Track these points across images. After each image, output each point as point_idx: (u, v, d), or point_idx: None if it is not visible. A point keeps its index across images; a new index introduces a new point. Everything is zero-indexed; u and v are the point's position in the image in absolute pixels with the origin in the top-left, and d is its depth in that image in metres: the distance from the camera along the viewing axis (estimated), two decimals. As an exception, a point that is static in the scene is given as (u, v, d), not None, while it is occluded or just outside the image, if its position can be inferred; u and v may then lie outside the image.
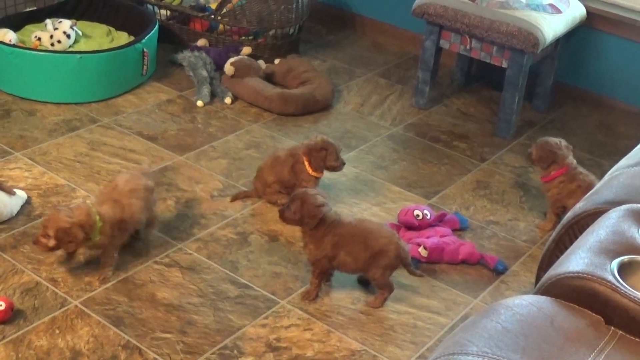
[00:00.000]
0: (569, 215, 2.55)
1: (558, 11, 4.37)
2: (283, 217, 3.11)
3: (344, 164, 3.69)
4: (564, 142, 3.73)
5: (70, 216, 2.98)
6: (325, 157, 3.62)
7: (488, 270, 3.42)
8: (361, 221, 3.16)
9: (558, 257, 2.26)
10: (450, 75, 5.11)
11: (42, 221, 3.04)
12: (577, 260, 2.02)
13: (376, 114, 4.62)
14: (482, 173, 4.13)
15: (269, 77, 4.75)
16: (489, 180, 4.05)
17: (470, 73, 5.09)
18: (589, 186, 3.46)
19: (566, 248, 2.33)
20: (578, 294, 1.94)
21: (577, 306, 1.93)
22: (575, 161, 3.72)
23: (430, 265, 3.40)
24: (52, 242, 2.98)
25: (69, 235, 2.97)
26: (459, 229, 3.65)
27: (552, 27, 4.27)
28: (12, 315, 2.88)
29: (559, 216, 3.66)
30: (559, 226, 2.57)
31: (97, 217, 3.03)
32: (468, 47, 4.43)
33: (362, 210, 3.72)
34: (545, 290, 2.03)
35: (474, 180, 4.06)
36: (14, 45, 4.36)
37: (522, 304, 1.93)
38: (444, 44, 4.52)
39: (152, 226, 3.38)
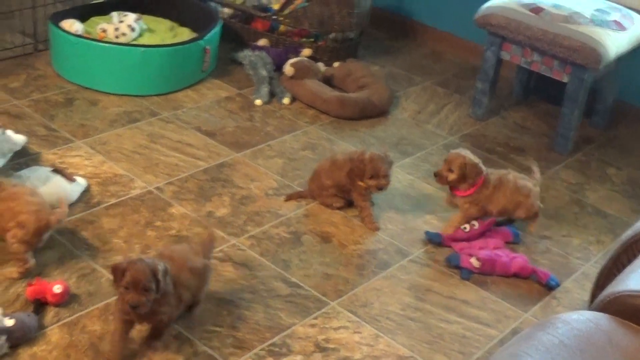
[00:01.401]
0: (629, 233, 2.53)
1: (622, 28, 4.33)
2: None
3: (386, 183, 3.59)
4: (467, 151, 3.60)
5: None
6: (364, 172, 3.56)
7: (539, 285, 3.40)
8: None
9: (615, 275, 2.26)
10: (509, 87, 5.09)
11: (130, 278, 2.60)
12: (637, 278, 2.02)
13: (433, 122, 4.62)
14: (537, 187, 4.11)
15: (327, 80, 4.77)
16: (544, 194, 4.03)
17: (529, 86, 5.06)
18: (500, 183, 3.58)
19: (624, 266, 2.32)
20: (637, 313, 1.93)
21: (635, 325, 1.93)
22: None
23: (481, 276, 3.39)
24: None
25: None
26: (511, 241, 3.63)
27: (615, 44, 4.24)
28: (68, 299, 2.93)
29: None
30: (617, 244, 2.55)
31: None
32: (529, 59, 4.42)
33: (414, 217, 3.72)
34: (603, 308, 2.03)
35: (529, 194, 4.04)
36: (80, 36, 4.43)
37: (580, 320, 1.93)
38: (505, 55, 4.51)
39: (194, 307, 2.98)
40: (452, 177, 3.52)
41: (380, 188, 3.58)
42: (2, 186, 3.10)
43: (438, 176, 3.57)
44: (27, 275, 3.01)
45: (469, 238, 3.52)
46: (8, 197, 3.04)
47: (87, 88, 4.41)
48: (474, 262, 3.37)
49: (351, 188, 3.63)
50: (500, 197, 3.58)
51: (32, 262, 3.04)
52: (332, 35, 5.08)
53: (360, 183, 3.59)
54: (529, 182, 3.63)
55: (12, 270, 3.03)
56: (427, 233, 3.58)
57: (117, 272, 2.58)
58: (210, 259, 2.98)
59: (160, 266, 2.60)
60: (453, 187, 3.59)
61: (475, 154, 4.09)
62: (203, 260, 2.88)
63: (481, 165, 3.55)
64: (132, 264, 2.57)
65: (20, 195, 3.05)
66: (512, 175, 3.62)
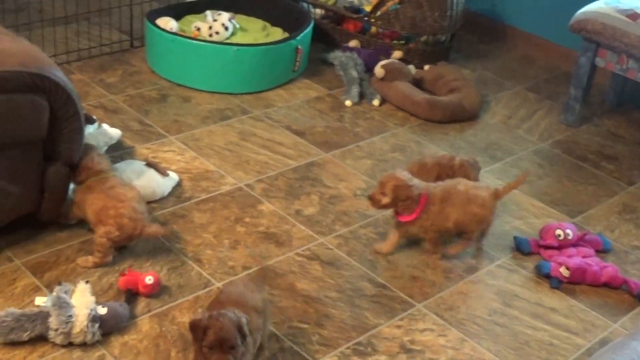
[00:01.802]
0: None
1: None
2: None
3: None
4: (403, 172, 3.33)
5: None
6: (452, 178, 3.53)
7: (630, 296, 3.34)
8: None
9: None
10: (601, 94, 5.01)
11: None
12: None
13: (523, 128, 4.58)
14: (630, 197, 4.04)
15: (417, 83, 4.77)
16: (637, 204, 3.96)
17: (623, 93, 4.97)
18: (449, 195, 3.30)
19: None
20: None
21: None
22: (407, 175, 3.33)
23: (570, 285, 3.35)
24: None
25: None
26: (602, 250, 3.58)
27: None
28: (159, 290, 2.99)
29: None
30: None
31: None
32: (625, 67, 4.34)
33: (503, 222, 3.69)
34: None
35: (620, 203, 3.97)
36: (174, 34, 4.51)
37: (676, 330, 1.90)
38: (600, 62, 4.44)
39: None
40: (385, 200, 3.25)
41: None
42: (112, 182, 3.17)
43: (371, 200, 3.30)
44: (101, 265, 3.10)
45: (561, 246, 3.48)
46: (115, 196, 3.11)
47: (180, 85, 4.49)
48: (563, 271, 3.33)
49: None
50: (451, 211, 3.31)
51: (109, 258, 3.11)
52: (423, 38, 5.07)
53: None
54: (484, 190, 3.37)
55: (87, 259, 3.10)
56: (515, 238, 3.54)
57: (198, 329, 2.37)
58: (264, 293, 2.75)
59: (243, 319, 2.39)
60: (397, 212, 3.33)
61: (566, 161, 4.07)
62: (262, 295, 2.68)
63: (416, 185, 3.26)
64: (214, 321, 2.35)
65: (128, 199, 3.11)
66: (463, 185, 3.36)
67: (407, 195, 3.23)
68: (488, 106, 4.77)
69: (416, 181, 3.29)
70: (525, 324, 3.13)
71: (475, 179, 3.55)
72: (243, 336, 2.37)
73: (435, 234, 3.35)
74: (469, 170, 3.54)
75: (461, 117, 4.55)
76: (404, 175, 3.28)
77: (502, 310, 3.18)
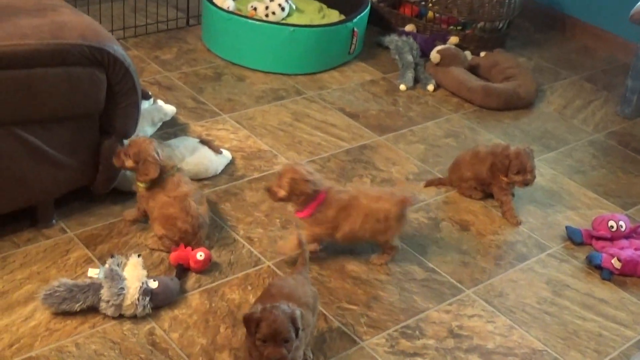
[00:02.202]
0: None
1: None
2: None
3: (532, 179, 3.54)
4: (304, 165, 3.08)
5: None
6: (508, 167, 3.52)
7: (682, 290, 3.31)
8: None
9: None
10: (660, 87, 4.94)
11: None
12: None
13: (579, 118, 4.53)
14: (685, 190, 3.99)
15: (473, 69, 4.73)
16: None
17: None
18: (349, 205, 3.05)
19: None
20: None
21: None
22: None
23: (621, 277, 3.31)
24: None
25: None
26: (654, 243, 3.54)
27: None
28: (209, 267, 3.01)
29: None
30: None
31: None
32: (685, 59, 4.28)
33: (555, 212, 3.66)
34: None
35: (675, 197, 3.93)
36: (231, 13, 4.52)
37: None
38: (660, 53, 4.38)
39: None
40: (281, 193, 3.01)
41: (526, 184, 3.53)
42: (178, 177, 3.10)
43: (269, 192, 3.05)
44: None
45: (613, 238, 3.44)
46: (185, 208, 3.03)
47: (235, 64, 4.51)
48: (615, 263, 3.29)
49: (492, 182, 3.59)
50: (345, 223, 3.07)
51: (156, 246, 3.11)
52: (480, 24, 5.03)
53: (504, 178, 3.55)
54: (387, 202, 3.09)
55: (148, 238, 3.14)
56: (567, 228, 3.51)
57: (251, 323, 2.32)
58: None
59: (297, 312, 2.33)
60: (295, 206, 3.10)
61: (621, 152, 4.02)
62: (312, 289, 2.62)
63: (315, 182, 3.02)
64: (267, 314, 2.30)
65: (198, 213, 3.06)
66: (364, 198, 3.09)
67: (301, 190, 3.00)
68: (543, 95, 4.73)
69: (318, 177, 3.05)
70: (574, 314, 3.10)
71: (532, 168, 3.51)
72: (297, 330, 2.31)
73: (318, 236, 3.11)
74: (525, 159, 3.51)
75: (516, 105, 4.51)
76: (303, 168, 3.03)
77: (551, 300, 3.15)
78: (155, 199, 3.07)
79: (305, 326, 2.40)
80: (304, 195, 3.00)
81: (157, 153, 3.04)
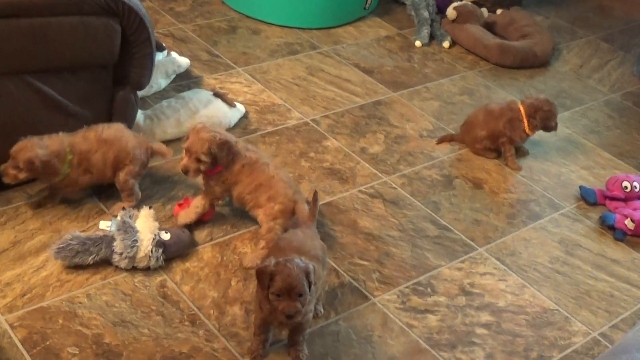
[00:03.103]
0: None
1: None
2: None
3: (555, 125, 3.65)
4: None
5: None
6: (548, 118, 3.58)
7: (695, 251, 3.30)
8: None
9: None
10: (678, 48, 4.90)
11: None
12: None
13: (595, 78, 4.49)
14: (701, 152, 3.96)
15: (489, 27, 4.69)
16: None
17: (700, 48, 4.86)
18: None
19: None
20: None
21: None
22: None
23: (634, 238, 3.30)
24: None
25: None
26: (669, 205, 3.52)
27: None
28: (222, 221, 3.00)
29: None
30: None
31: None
32: None
33: (569, 171, 3.64)
34: None
35: (691, 159, 3.91)
36: (247, -36, 4.49)
37: None
38: (679, 14, 4.34)
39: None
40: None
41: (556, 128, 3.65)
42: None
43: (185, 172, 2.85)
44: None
45: (627, 198, 3.42)
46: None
47: (250, 17, 4.47)
48: (628, 223, 3.28)
49: (506, 135, 3.57)
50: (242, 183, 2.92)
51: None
52: (497, -19, 4.99)
53: (528, 132, 3.58)
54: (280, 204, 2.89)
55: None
56: (581, 188, 3.50)
57: (264, 276, 2.29)
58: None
59: (311, 266, 2.31)
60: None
61: (636, 113, 4.02)
62: (320, 242, 2.60)
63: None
64: (282, 267, 2.27)
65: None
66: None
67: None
68: (559, 54, 4.69)
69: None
70: (586, 273, 3.10)
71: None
72: (310, 284, 2.29)
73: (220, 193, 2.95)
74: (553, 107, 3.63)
75: (532, 63, 4.47)
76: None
77: (564, 259, 3.15)
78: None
79: (316, 280, 2.38)
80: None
81: (41, 147, 2.81)
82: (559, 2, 5.34)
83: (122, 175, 2.96)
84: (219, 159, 2.82)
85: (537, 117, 3.55)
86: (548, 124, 3.60)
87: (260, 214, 2.91)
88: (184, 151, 2.82)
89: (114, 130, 2.97)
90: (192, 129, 2.83)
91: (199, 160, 2.80)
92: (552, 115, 3.59)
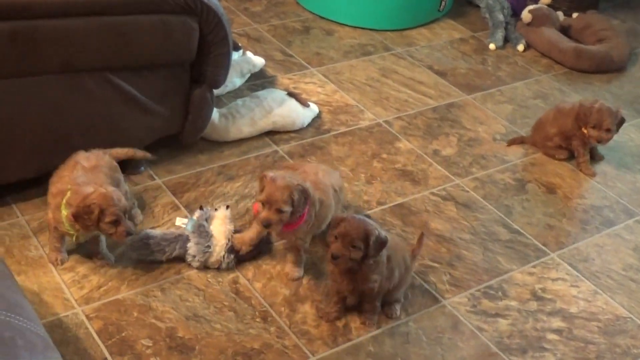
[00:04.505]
0: None
1: None
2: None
3: (606, 138, 3.48)
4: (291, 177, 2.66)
5: None
6: (588, 119, 3.47)
7: None
8: None
9: None
10: None
11: None
12: None
13: (673, 83, 4.43)
14: None
15: (565, 30, 4.64)
16: None
17: None
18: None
19: None
20: None
21: None
22: None
23: None
24: None
25: None
26: None
27: None
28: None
29: None
30: None
31: None
32: None
33: (645, 178, 3.61)
34: None
35: None
36: (322, -34, 4.51)
37: None
38: None
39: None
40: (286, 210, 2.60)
41: (599, 141, 3.49)
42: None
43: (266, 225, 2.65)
44: None
45: None
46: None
47: (323, 18, 4.49)
48: None
49: (575, 134, 3.53)
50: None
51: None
52: (574, -15, 4.93)
53: (584, 130, 3.51)
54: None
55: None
56: (657, 195, 3.45)
57: (335, 220, 2.52)
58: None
59: (376, 232, 2.47)
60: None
61: None
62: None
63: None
64: (350, 219, 2.49)
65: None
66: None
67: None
68: (637, 59, 4.62)
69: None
70: (661, 282, 3.06)
71: (609, 127, 3.46)
72: (367, 246, 2.47)
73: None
74: (605, 116, 3.45)
75: (608, 68, 4.41)
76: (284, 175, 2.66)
77: (637, 267, 3.10)
78: None
79: (396, 266, 2.61)
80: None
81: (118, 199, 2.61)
82: (636, 6, 5.26)
83: None
84: (296, 207, 2.61)
85: (579, 117, 3.51)
86: (589, 128, 3.48)
87: None
88: (261, 204, 2.62)
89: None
90: (262, 179, 2.64)
91: (280, 212, 2.59)
92: (591, 119, 3.46)
